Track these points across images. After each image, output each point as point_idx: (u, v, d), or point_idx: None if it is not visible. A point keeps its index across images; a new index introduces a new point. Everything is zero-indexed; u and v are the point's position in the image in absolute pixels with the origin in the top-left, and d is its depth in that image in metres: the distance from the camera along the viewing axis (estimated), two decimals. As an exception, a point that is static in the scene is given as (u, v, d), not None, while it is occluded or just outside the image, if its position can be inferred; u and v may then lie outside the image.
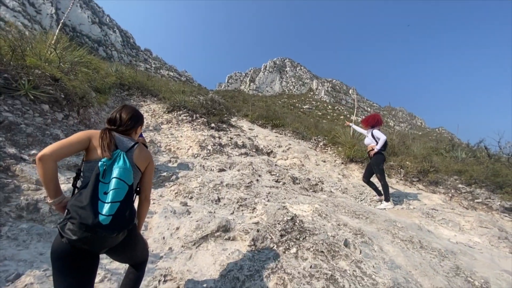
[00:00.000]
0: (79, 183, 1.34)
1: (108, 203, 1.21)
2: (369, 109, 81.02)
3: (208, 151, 6.03)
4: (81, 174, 1.34)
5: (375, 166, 4.57)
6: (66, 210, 1.22)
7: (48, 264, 1.89)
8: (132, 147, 1.47)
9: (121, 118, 1.51)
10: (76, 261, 1.21)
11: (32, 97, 3.91)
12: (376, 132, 4.69)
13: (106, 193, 1.23)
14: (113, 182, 1.26)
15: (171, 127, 7.55)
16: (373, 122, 4.81)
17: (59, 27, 6.29)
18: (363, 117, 5.92)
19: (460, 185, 6.00)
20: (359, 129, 5.69)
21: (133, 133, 1.58)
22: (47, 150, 1.20)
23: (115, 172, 1.28)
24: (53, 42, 5.44)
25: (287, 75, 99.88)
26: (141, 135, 3.94)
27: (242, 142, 7.48)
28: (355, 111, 12.41)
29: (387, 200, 4.46)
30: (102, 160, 1.29)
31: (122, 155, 1.35)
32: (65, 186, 2.75)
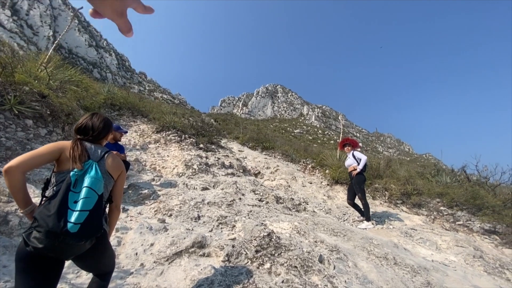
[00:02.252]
0: (48, 193, 1.32)
1: (77, 211, 1.23)
2: (358, 135, 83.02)
3: (194, 170, 6.02)
4: (51, 184, 1.33)
5: (356, 185, 4.67)
6: (33, 219, 1.21)
7: (10, 277, 1.83)
8: (103, 156, 1.50)
9: (93, 126, 1.51)
10: (39, 265, 1.20)
11: (17, 112, 3.93)
12: (357, 153, 4.88)
13: (76, 202, 1.25)
14: (83, 191, 1.28)
15: (158, 146, 7.56)
16: (345, 141, 5.16)
17: (53, 47, 6.48)
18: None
19: (442, 208, 6.11)
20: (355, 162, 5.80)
21: (103, 141, 1.62)
22: (13, 162, 1.20)
23: (86, 182, 1.30)
24: (45, 61, 5.58)
25: (279, 101, 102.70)
26: (123, 151, 3.94)
27: (230, 162, 7.52)
28: (341, 137, 12.78)
29: (368, 220, 4.51)
30: (74, 170, 1.31)
31: (94, 165, 1.38)
32: (39, 199, 2.70)
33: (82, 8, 6.28)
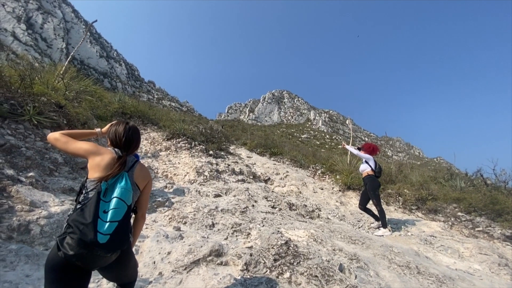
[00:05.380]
0: (81, 199, 1.34)
1: (107, 222, 1.23)
2: (366, 139, 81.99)
3: (205, 177, 6.04)
4: (83, 190, 1.35)
5: (370, 191, 4.58)
6: (67, 224, 1.23)
7: (33, 286, 1.84)
8: (133, 165, 1.52)
9: (131, 140, 1.56)
10: (68, 275, 1.22)
11: (36, 122, 4.05)
12: (363, 154, 4.88)
13: (105, 212, 1.26)
14: (113, 201, 1.29)
15: (169, 154, 7.62)
16: (369, 149, 5.00)
17: (68, 59, 6.70)
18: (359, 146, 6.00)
19: (459, 213, 5.92)
20: (353, 150, 5.54)
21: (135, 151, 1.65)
22: (52, 136, 1.41)
23: (116, 192, 1.31)
24: (61, 72, 5.76)
25: (285, 106, 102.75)
26: (138, 158, 3.99)
27: (240, 169, 7.51)
28: (350, 141, 12.64)
29: (384, 226, 4.40)
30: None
31: (124, 175, 1.39)
32: (59, 208, 2.74)
33: (96, 21, 6.48)
